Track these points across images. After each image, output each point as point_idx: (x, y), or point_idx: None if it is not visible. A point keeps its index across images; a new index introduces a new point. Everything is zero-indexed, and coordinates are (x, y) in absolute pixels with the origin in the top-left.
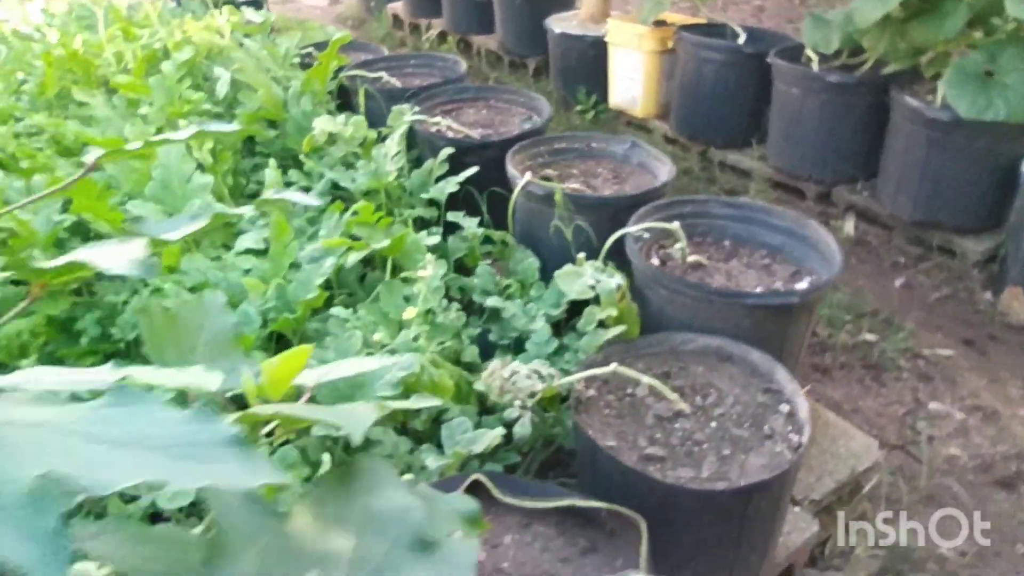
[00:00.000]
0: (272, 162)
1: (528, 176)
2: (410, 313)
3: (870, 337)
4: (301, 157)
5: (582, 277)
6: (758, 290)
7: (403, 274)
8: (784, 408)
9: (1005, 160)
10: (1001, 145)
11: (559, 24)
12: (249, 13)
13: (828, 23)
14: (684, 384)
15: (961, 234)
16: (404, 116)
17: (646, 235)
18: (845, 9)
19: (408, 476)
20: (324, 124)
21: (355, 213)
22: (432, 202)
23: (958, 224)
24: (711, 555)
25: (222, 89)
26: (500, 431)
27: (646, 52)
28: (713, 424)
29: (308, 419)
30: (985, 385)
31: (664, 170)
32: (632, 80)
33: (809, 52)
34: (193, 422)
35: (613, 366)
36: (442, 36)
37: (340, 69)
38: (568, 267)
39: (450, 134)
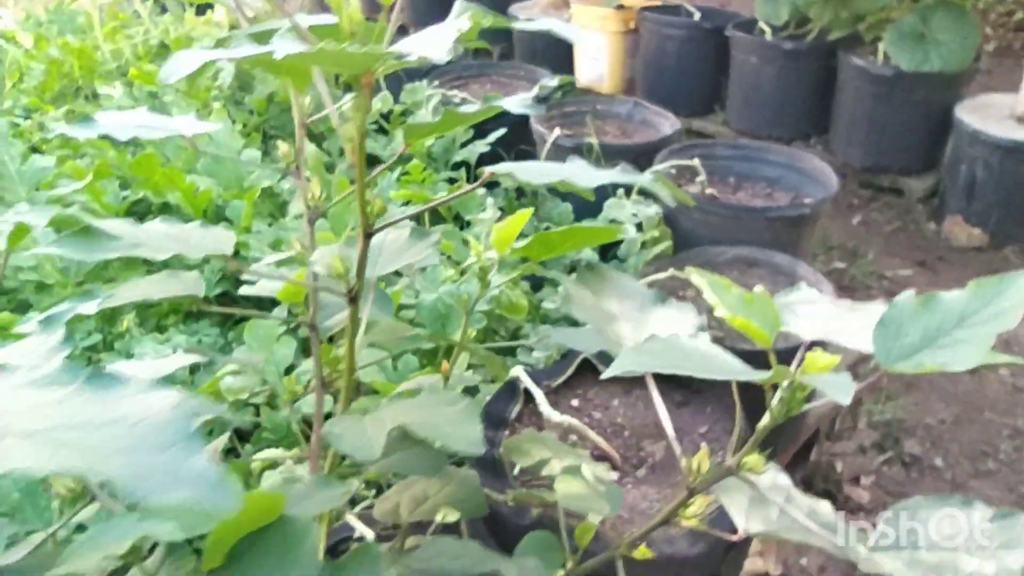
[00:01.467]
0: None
1: (557, 131)
2: (477, 248)
3: (840, 264)
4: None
5: (625, 208)
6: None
7: (467, 217)
8: None
9: (939, 108)
10: (936, 94)
11: (523, 11)
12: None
13: None
14: None
15: (906, 175)
16: (422, 92)
17: (672, 171)
18: None
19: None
20: None
21: (405, 173)
22: (457, 165)
23: (903, 166)
24: None
25: (226, 79)
26: None
27: (610, 33)
28: None
29: None
30: None
31: (667, 123)
32: (598, 60)
33: (762, 24)
34: None
35: (670, 271)
36: (402, 29)
37: None
38: (612, 199)
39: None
